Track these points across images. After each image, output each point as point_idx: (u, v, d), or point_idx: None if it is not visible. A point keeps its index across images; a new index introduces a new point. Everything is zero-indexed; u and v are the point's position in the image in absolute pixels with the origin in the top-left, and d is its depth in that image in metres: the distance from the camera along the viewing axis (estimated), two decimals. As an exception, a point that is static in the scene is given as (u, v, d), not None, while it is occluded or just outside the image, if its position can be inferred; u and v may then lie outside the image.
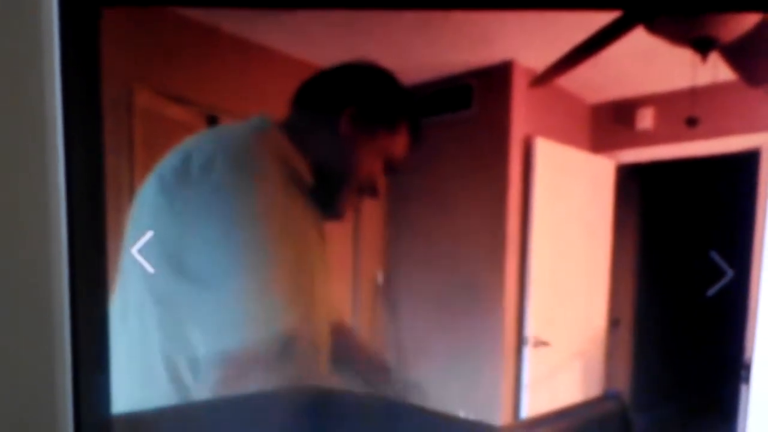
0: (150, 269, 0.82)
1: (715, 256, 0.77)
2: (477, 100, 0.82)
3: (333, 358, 0.85)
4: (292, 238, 0.80)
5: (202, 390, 0.83)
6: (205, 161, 0.77)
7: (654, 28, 0.75)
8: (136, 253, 0.82)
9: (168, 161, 0.78)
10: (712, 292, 0.77)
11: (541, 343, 0.85)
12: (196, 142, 0.79)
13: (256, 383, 0.82)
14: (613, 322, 0.83)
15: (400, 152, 0.79)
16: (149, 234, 0.81)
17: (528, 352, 0.85)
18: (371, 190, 0.80)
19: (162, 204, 0.79)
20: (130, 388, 0.86)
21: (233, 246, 0.78)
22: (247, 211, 0.78)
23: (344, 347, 0.86)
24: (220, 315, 0.80)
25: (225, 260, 0.78)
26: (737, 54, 0.75)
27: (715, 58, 0.75)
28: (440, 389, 0.85)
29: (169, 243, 0.80)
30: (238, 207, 0.78)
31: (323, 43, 0.80)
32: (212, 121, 0.84)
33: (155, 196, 0.79)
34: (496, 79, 0.81)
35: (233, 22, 0.81)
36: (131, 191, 0.81)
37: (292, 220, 0.80)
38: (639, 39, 0.74)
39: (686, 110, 0.77)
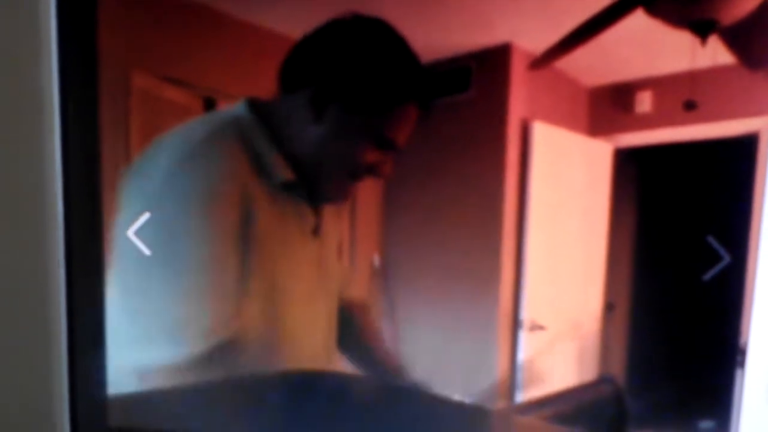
0: (147, 252, 0.82)
1: (712, 241, 0.77)
2: (475, 83, 0.81)
3: (344, 341, 0.82)
4: (233, 252, 0.73)
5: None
6: (163, 155, 0.74)
7: (653, 10, 0.74)
8: (134, 237, 0.82)
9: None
10: (708, 276, 0.77)
11: (536, 327, 0.85)
12: (177, 129, 0.75)
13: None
14: (609, 307, 0.83)
15: (399, 131, 0.72)
16: (146, 216, 0.81)
17: (523, 335, 0.85)
18: (370, 173, 0.73)
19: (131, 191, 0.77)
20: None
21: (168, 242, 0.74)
22: (187, 207, 0.73)
23: (359, 333, 0.84)
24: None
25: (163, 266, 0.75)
26: (737, 37, 0.74)
27: (714, 41, 0.74)
28: (436, 372, 0.86)
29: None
30: (181, 201, 0.73)
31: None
32: (209, 103, 0.84)
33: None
34: (494, 61, 0.80)
35: (231, 4, 0.80)
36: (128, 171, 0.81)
37: (239, 217, 0.72)
38: (638, 22, 0.74)
39: (685, 94, 0.77)
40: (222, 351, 0.75)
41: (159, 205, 0.73)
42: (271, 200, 0.72)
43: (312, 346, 0.80)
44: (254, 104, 0.73)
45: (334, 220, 0.79)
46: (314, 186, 0.74)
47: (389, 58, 0.70)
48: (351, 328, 0.82)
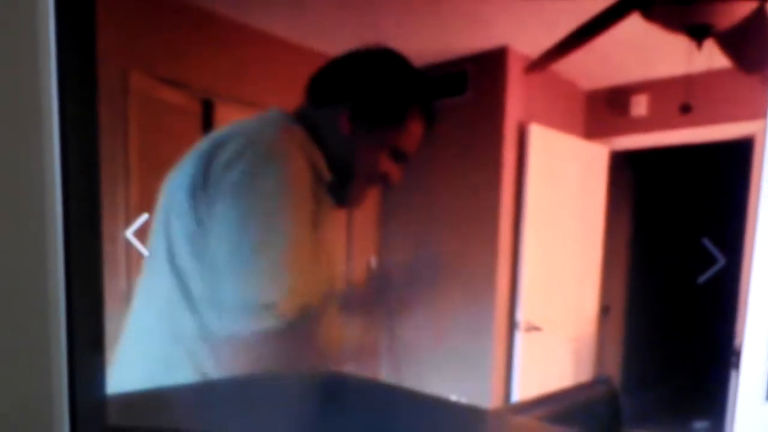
0: (145, 252, 0.82)
1: (707, 244, 0.77)
2: (472, 86, 0.81)
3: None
4: (307, 229, 0.81)
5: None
6: (231, 157, 0.78)
7: (650, 14, 0.74)
8: (131, 237, 0.83)
9: (193, 161, 0.79)
10: (703, 279, 0.77)
11: (532, 328, 0.85)
12: (219, 138, 0.79)
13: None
14: (605, 309, 0.83)
15: (409, 143, 0.80)
16: (144, 217, 0.81)
17: (520, 336, 0.86)
18: (382, 180, 0.81)
19: (188, 206, 0.80)
20: (151, 367, 0.86)
21: (253, 234, 0.80)
22: (274, 203, 0.80)
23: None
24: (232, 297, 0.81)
25: (243, 246, 0.80)
26: (732, 41, 0.74)
27: (710, 45, 0.74)
28: (432, 373, 0.86)
29: (195, 239, 0.81)
30: (264, 199, 0.79)
31: (316, 28, 0.80)
32: (206, 105, 0.84)
33: (182, 198, 0.80)
34: (491, 64, 0.80)
35: (229, 6, 0.81)
36: (126, 172, 0.81)
37: (310, 212, 0.81)
38: (635, 25, 0.74)
39: (681, 97, 0.77)
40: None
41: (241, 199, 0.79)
42: (322, 198, 0.81)
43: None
44: (286, 114, 0.81)
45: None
46: (343, 188, 0.82)
47: (401, 81, 0.79)
48: None
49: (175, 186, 0.80)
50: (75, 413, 0.85)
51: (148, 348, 0.86)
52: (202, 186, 0.79)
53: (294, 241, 0.81)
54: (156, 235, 0.82)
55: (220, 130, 0.81)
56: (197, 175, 0.79)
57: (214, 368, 0.83)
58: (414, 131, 0.80)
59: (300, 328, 0.81)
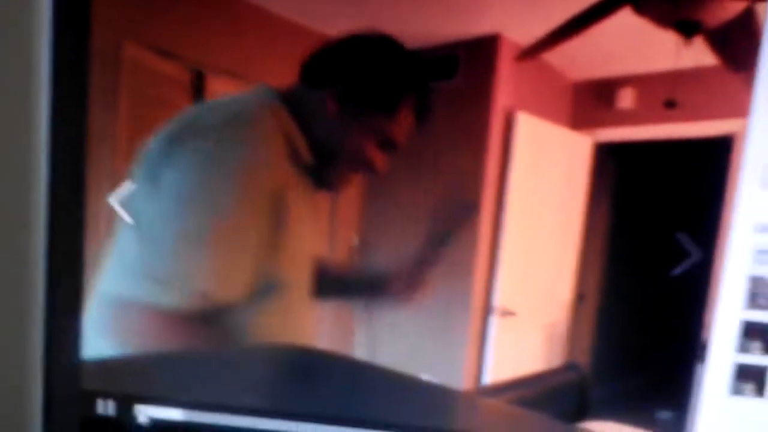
0: (129, 220, 0.82)
1: (682, 238, 0.78)
2: (462, 71, 0.81)
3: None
4: (258, 214, 0.78)
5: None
6: (205, 125, 0.76)
7: (641, 8, 0.74)
8: (115, 204, 0.82)
9: (167, 129, 0.77)
10: (676, 272, 0.78)
11: (507, 313, 0.86)
12: (201, 110, 0.79)
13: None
14: (579, 297, 0.84)
15: (398, 133, 0.79)
16: (128, 186, 0.81)
17: (494, 320, 0.86)
18: (368, 168, 0.80)
19: (148, 171, 0.78)
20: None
21: (210, 203, 0.77)
22: (237, 173, 0.77)
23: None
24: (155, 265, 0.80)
25: (181, 223, 0.78)
26: (721, 39, 0.75)
27: (698, 42, 0.75)
28: (406, 352, 0.87)
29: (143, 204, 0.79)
30: (230, 167, 0.77)
31: (311, 7, 0.79)
32: (198, 76, 0.83)
33: (145, 162, 0.78)
34: (482, 51, 0.80)
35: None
36: (114, 142, 0.80)
37: (271, 197, 0.78)
38: (626, 19, 0.74)
39: (666, 92, 0.77)
40: (217, 312, 0.79)
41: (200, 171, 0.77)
42: (298, 180, 0.79)
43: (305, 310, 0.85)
44: (275, 91, 0.78)
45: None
46: (325, 172, 0.80)
47: (396, 69, 0.78)
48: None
49: (145, 151, 0.79)
50: (50, 377, 0.85)
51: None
52: (166, 151, 0.77)
53: (238, 225, 0.78)
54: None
55: (203, 102, 0.81)
56: (166, 140, 0.77)
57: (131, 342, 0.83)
58: (405, 121, 0.79)
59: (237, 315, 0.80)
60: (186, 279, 0.78)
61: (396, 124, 0.78)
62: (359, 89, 0.78)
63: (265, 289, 0.81)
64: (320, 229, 0.84)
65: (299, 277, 0.83)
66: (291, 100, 0.78)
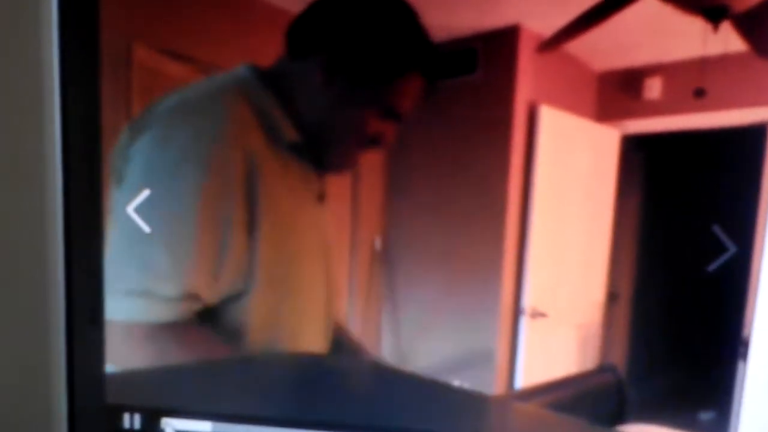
0: (147, 229, 0.80)
1: (718, 231, 0.75)
2: (482, 65, 0.79)
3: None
4: (241, 201, 0.72)
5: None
6: (164, 110, 0.73)
7: (665, -6, 0.72)
8: (132, 213, 0.81)
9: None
10: (713, 267, 0.76)
11: (538, 314, 0.83)
12: (174, 93, 0.74)
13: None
14: (612, 296, 0.81)
15: (403, 102, 0.72)
16: (146, 193, 0.79)
17: (525, 322, 0.84)
18: (373, 142, 0.73)
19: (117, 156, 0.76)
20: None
21: (164, 203, 0.73)
22: (192, 168, 0.71)
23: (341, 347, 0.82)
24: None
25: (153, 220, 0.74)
26: (749, 24, 0.72)
27: (726, 28, 0.72)
28: (435, 357, 0.84)
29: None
30: (183, 162, 0.72)
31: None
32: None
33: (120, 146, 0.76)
34: (502, 43, 0.78)
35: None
36: (128, 146, 0.79)
37: (241, 182, 0.71)
38: (650, 6, 0.72)
39: (695, 81, 0.75)
40: (203, 315, 0.74)
41: (158, 160, 0.72)
42: (277, 161, 0.72)
43: (314, 311, 0.79)
44: (256, 68, 0.73)
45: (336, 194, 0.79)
46: (320, 151, 0.73)
47: (395, 29, 0.70)
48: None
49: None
50: (73, 391, 0.84)
51: None
52: (127, 144, 0.74)
53: (202, 229, 0.72)
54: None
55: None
56: (130, 129, 0.75)
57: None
58: (409, 89, 0.71)
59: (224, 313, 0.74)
60: (163, 282, 0.73)
61: (398, 93, 0.71)
62: (350, 56, 0.70)
63: (248, 284, 0.75)
64: (325, 221, 0.78)
65: (297, 272, 0.76)
66: (273, 75, 0.72)
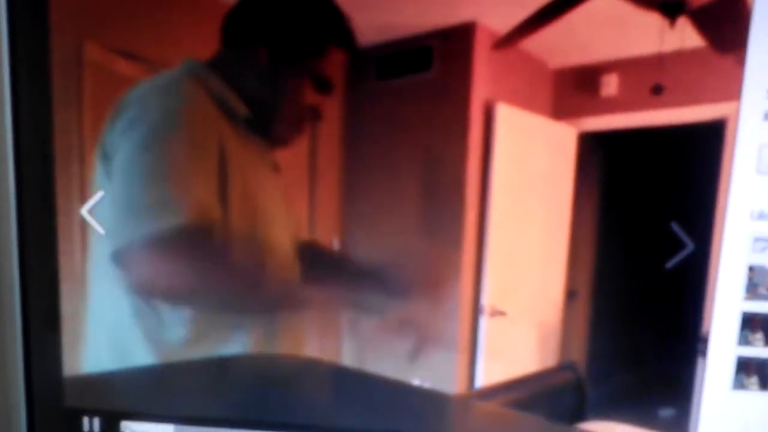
0: (101, 230, 0.79)
1: (676, 228, 0.75)
2: (437, 63, 0.78)
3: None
4: (209, 161, 0.79)
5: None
6: (129, 100, 0.77)
7: (622, -10, 0.71)
8: (86, 214, 0.80)
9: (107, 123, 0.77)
10: (671, 264, 0.75)
11: (497, 313, 0.82)
12: (128, 96, 0.77)
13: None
14: (571, 294, 0.80)
15: (332, 71, 0.78)
16: (99, 194, 0.78)
17: (484, 321, 0.83)
18: (311, 112, 0.79)
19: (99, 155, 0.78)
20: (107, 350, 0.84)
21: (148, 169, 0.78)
22: (172, 129, 0.78)
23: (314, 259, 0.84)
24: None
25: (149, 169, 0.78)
26: (706, 19, 0.71)
27: (683, 23, 0.71)
28: (395, 357, 0.83)
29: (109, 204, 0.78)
30: (157, 135, 0.78)
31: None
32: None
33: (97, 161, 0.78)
34: (457, 40, 0.76)
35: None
36: (80, 147, 0.78)
37: (212, 147, 0.78)
38: (606, 2, 0.71)
39: (652, 77, 0.74)
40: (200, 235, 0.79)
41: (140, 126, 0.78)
42: (237, 133, 0.79)
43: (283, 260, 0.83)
44: (198, 61, 0.79)
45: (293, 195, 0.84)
46: (267, 124, 0.81)
47: (315, 10, 0.77)
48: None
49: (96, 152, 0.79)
50: (32, 395, 0.82)
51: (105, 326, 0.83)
52: (108, 141, 0.78)
53: (194, 169, 0.78)
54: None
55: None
56: (105, 133, 0.78)
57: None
58: (333, 60, 0.78)
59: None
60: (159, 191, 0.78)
61: (325, 64, 0.78)
62: (285, 36, 0.77)
63: None
64: (282, 189, 0.84)
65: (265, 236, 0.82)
66: (216, 63, 0.78)
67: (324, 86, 0.79)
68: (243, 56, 0.79)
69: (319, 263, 0.83)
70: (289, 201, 0.84)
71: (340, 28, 0.76)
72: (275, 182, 0.83)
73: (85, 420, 0.84)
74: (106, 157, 0.79)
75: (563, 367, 0.82)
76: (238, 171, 0.80)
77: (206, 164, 0.78)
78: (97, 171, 0.80)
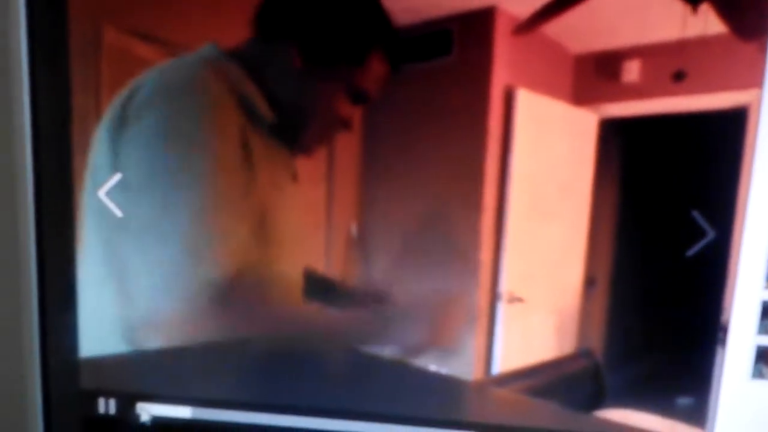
0: (119, 213, 0.79)
1: (697, 216, 0.74)
2: (457, 47, 0.77)
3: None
4: (238, 176, 0.74)
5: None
6: (146, 98, 0.72)
7: (644, -25, 0.70)
8: (104, 197, 0.79)
9: (115, 101, 0.75)
10: (691, 252, 0.74)
11: (515, 300, 0.82)
12: (143, 78, 0.74)
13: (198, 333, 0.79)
14: (590, 281, 0.79)
15: (372, 84, 0.73)
16: (117, 177, 0.78)
17: (502, 308, 0.82)
18: (342, 124, 0.75)
19: (108, 148, 0.75)
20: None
21: (172, 185, 0.74)
22: (190, 146, 0.73)
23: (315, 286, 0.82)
24: (151, 263, 0.76)
25: (162, 201, 0.75)
26: (729, 5, 0.70)
27: (706, 9, 0.70)
28: (413, 343, 0.83)
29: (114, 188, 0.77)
30: (180, 141, 0.73)
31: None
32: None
33: (103, 141, 0.76)
34: (478, 25, 0.75)
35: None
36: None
37: (236, 156, 0.74)
38: (628, -14, 0.70)
39: (674, 64, 0.72)
40: (241, 281, 0.76)
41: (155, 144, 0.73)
42: (258, 138, 0.74)
43: (293, 290, 0.80)
44: (221, 50, 0.74)
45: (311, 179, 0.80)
46: (293, 131, 0.75)
47: (360, 13, 0.71)
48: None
49: (97, 136, 0.76)
50: (47, 377, 0.82)
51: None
52: (119, 133, 0.74)
53: (219, 190, 0.74)
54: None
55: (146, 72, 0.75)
56: (115, 120, 0.74)
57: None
58: (373, 72, 0.73)
59: (246, 291, 0.76)
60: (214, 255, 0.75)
61: (364, 75, 0.73)
62: (324, 38, 0.71)
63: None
64: (299, 201, 0.79)
65: (278, 252, 0.79)
66: (245, 57, 0.73)
67: (361, 98, 0.74)
68: (274, 52, 0.73)
69: (320, 292, 0.81)
70: (304, 219, 0.79)
71: (388, 38, 0.72)
72: (293, 194, 0.78)
73: (101, 401, 0.84)
74: (119, 152, 0.76)
75: (581, 354, 0.81)
76: (263, 183, 0.75)
77: (237, 188, 0.73)
78: (100, 143, 0.77)
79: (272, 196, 0.77)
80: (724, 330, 0.75)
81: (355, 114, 0.74)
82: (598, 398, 0.80)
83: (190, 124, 0.74)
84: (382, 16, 0.71)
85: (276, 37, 0.72)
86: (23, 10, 0.74)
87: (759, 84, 0.71)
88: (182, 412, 0.83)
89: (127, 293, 0.80)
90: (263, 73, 0.73)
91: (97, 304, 0.81)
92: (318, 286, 0.81)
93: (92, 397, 0.84)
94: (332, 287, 0.81)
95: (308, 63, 0.72)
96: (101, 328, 0.82)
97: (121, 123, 0.76)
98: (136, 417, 0.84)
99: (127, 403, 0.84)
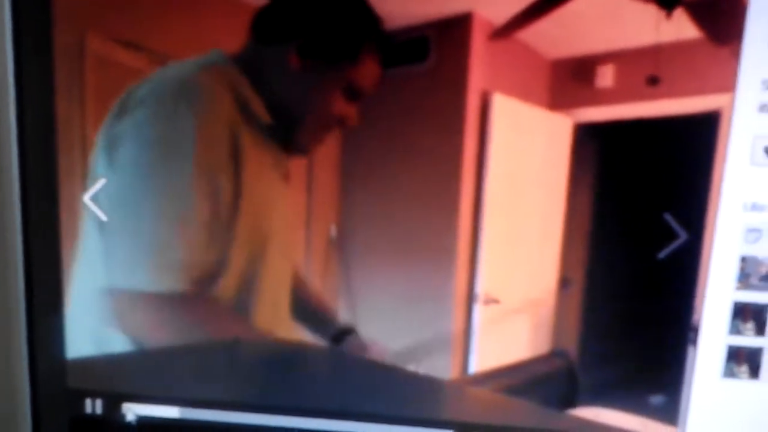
0: (103, 217, 0.79)
1: (669, 218, 0.74)
2: (434, 53, 0.77)
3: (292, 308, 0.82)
4: (218, 179, 0.75)
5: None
6: (145, 94, 0.72)
7: (619, -19, 0.70)
8: (89, 201, 0.80)
9: (114, 107, 0.75)
10: (664, 254, 0.75)
11: (491, 301, 0.82)
12: (144, 79, 0.74)
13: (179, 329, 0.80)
14: (564, 282, 0.80)
15: (366, 81, 0.74)
16: (102, 182, 0.78)
17: (478, 309, 0.83)
18: (340, 122, 0.76)
19: (102, 144, 0.75)
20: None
21: (152, 187, 0.74)
22: (182, 143, 0.73)
23: (300, 298, 0.83)
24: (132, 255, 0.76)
25: (141, 202, 0.75)
26: (703, 11, 0.70)
27: (679, 14, 0.70)
28: (390, 343, 0.83)
29: (109, 188, 0.78)
30: (173, 137, 0.73)
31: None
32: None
33: (99, 144, 0.77)
34: (454, 31, 0.75)
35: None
36: (82, 138, 0.77)
37: (226, 161, 0.74)
38: (603, -8, 0.70)
39: (648, 69, 0.72)
40: (202, 286, 0.77)
41: (145, 141, 0.74)
42: (253, 139, 0.75)
43: (282, 296, 0.82)
44: (225, 54, 0.75)
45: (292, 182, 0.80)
46: (289, 132, 0.76)
47: (353, 14, 0.73)
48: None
49: (98, 136, 0.76)
50: (35, 376, 0.83)
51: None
52: (113, 129, 0.75)
53: (198, 197, 0.75)
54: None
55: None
56: (112, 117, 0.75)
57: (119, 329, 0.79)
58: (370, 67, 0.74)
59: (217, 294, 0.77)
60: (164, 255, 0.76)
61: (359, 73, 0.74)
62: (320, 39, 0.73)
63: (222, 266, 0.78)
64: (288, 200, 0.81)
65: (267, 253, 0.80)
66: (244, 60, 0.74)
67: (356, 96, 0.75)
68: (278, 55, 0.74)
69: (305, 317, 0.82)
70: (288, 219, 0.80)
71: (379, 38, 0.73)
72: (284, 195, 0.80)
73: (88, 402, 0.85)
74: (110, 147, 0.77)
75: (555, 354, 0.82)
76: (252, 180, 0.76)
77: (215, 191, 0.74)
78: (98, 157, 0.78)
79: (261, 196, 0.78)
80: (696, 330, 0.76)
81: (351, 111, 0.76)
82: (571, 397, 0.81)
83: (178, 123, 0.75)
84: (371, 14, 0.72)
85: (273, 41, 0.74)
86: (8, 17, 0.74)
87: (731, 88, 0.71)
88: (168, 411, 0.84)
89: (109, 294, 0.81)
90: (261, 75, 0.75)
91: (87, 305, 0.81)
92: (304, 311, 0.82)
93: (80, 397, 0.85)
94: (318, 315, 0.82)
95: (305, 63, 0.74)
96: (89, 330, 0.82)
97: (116, 121, 0.77)
98: (122, 417, 0.85)
99: (113, 403, 0.85)
